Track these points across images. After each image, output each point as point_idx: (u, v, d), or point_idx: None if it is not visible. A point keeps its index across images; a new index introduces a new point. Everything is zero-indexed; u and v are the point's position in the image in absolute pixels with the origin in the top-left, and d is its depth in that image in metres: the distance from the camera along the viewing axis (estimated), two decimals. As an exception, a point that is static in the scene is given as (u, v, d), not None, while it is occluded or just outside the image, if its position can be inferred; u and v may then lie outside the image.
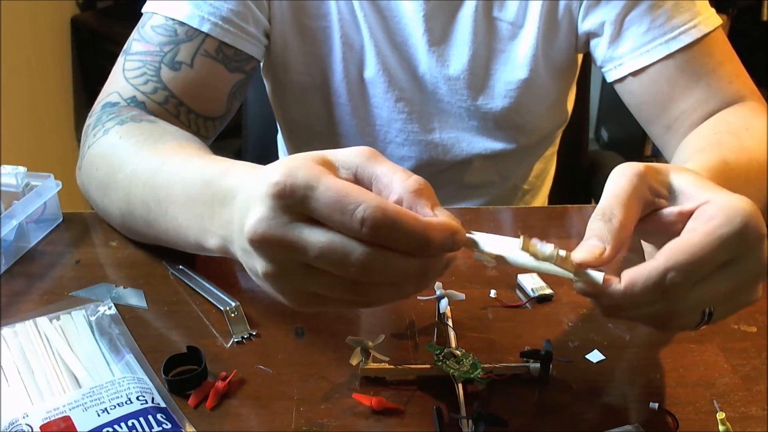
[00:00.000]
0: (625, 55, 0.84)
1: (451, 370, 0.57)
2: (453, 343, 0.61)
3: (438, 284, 0.64)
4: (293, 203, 0.44)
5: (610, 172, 0.50)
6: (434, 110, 0.93)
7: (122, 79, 0.80)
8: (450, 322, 0.63)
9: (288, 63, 0.91)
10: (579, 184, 1.27)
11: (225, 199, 0.52)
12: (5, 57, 1.80)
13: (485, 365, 0.58)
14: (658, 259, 0.46)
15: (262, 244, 0.45)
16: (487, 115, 0.92)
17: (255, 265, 0.47)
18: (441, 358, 0.58)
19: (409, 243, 0.44)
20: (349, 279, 0.45)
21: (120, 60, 0.82)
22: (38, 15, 2.02)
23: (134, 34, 0.82)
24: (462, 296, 0.64)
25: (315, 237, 0.44)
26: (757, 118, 0.78)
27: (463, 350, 0.59)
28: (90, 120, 0.79)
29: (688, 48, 0.81)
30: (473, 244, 0.48)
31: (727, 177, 0.59)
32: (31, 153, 1.98)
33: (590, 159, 1.29)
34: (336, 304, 0.48)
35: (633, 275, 0.46)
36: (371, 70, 0.90)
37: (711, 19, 0.82)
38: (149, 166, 0.66)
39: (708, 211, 0.47)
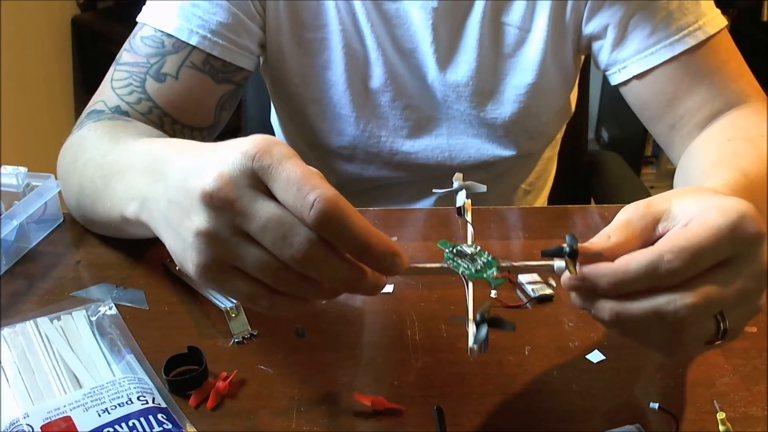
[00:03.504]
0: (629, 58, 0.83)
1: (461, 268, 0.50)
2: (469, 240, 0.53)
3: (458, 174, 0.59)
4: (259, 169, 0.44)
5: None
6: (443, 117, 0.93)
7: (109, 89, 0.81)
8: (469, 217, 0.56)
9: (285, 74, 0.90)
10: (579, 184, 1.26)
11: (165, 161, 0.52)
12: (5, 57, 1.80)
13: (503, 264, 0.50)
14: (654, 245, 0.45)
15: (213, 200, 0.45)
16: (496, 121, 0.92)
17: (188, 219, 0.46)
18: (451, 256, 0.50)
19: (351, 242, 0.44)
20: (278, 265, 0.45)
21: (110, 70, 0.82)
22: (38, 15, 2.02)
23: (126, 44, 0.83)
24: (484, 188, 0.57)
25: (266, 208, 0.44)
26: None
27: (479, 248, 0.51)
28: (74, 127, 0.80)
29: (691, 50, 0.80)
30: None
31: (750, 191, 0.58)
32: (31, 153, 1.98)
33: (590, 159, 1.28)
34: (243, 289, 0.47)
35: (627, 256, 0.45)
36: (378, 79, 0.89)
37: (716, 21, 0.81)
38: (106, 149, 0.68)
39: (704, 212, 0.46)
